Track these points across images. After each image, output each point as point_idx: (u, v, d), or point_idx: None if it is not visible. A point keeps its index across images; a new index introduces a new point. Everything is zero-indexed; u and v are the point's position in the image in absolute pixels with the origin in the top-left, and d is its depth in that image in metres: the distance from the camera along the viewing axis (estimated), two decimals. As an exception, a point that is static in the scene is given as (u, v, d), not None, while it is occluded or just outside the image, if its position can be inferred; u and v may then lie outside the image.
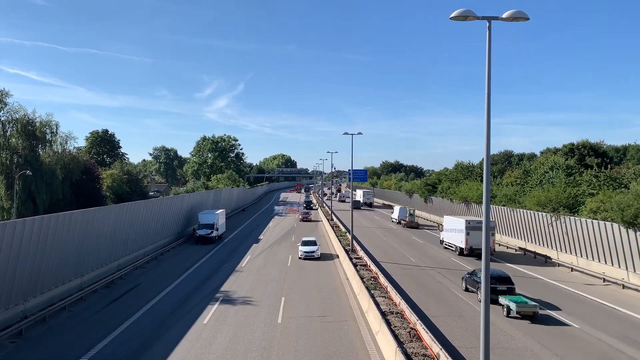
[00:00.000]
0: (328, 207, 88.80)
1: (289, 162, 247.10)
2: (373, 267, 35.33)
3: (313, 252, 41.65)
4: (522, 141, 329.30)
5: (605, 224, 34.94)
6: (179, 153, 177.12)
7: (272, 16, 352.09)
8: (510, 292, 27.10)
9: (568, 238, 40.13)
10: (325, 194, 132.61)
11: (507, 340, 21.72)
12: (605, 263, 35.34)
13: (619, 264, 33.79)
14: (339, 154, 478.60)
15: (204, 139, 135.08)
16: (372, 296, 26.13)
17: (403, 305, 24.59)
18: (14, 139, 48.64)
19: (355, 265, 35.29)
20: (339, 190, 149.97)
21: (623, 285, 32.28)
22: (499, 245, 49.95)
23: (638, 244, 31.85)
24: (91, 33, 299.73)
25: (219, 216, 54.61)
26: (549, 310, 26.65)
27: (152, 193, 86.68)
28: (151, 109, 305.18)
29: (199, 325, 23.42)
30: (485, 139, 14.11)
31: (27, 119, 49.20)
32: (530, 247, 46.43)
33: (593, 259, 36.82)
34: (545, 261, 42.04)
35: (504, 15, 13.88)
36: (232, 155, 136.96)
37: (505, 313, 25.22)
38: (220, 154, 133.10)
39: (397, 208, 76.78)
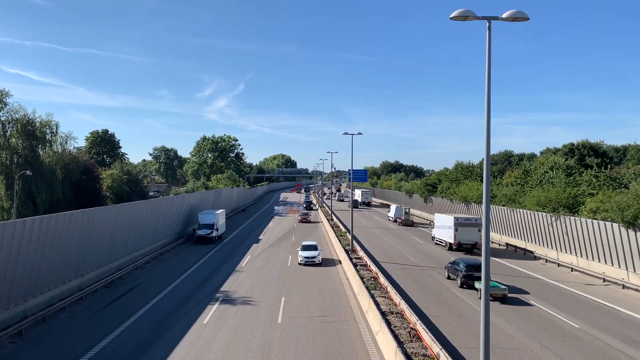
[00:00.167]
0: (328, 207, 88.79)
1: (289, 162, 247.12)
2: (373, 267, 35.33)
3: (314, 257, 38.94)
4: (522, 141, 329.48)
5: (605, 224, 34.94)
6: (179, 153, 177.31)
7: (272, 16, 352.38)
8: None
9: (568, 238, 40.14)
10: (324, 194, 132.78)
11: (507, 340, 21.73)
12: (605, 263, 35.34)
13: (619, 264, 33.79)
14: (339, 154, 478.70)
15: (204, 139, 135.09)
16: (372, 296, 26.13)
17: (403, 305, 24.59)
18: (14, 139, 48.63)
19: (355, 265, 35.29)
20: (338, 190, 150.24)
21: (623, 285, 32.28)
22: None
23: (638, 244, 31.85)
24: (91, 33, 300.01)
25: (219, 216, 54.61)
26: (518, 294, 29.85)
27: (152, 193, 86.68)
28: (151, 109, 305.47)
29: (199, 325, 23.43)
30: (485, 139, 14.12)
31: (27, 119, 49.20)
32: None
33: (593, 259, 36.83)
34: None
35: (504, 15, 13.88)
36: (232, 155, 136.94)
37: (479, 296, 27.93)
38: (220, 154, 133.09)
39: (393, 207, 79.48)
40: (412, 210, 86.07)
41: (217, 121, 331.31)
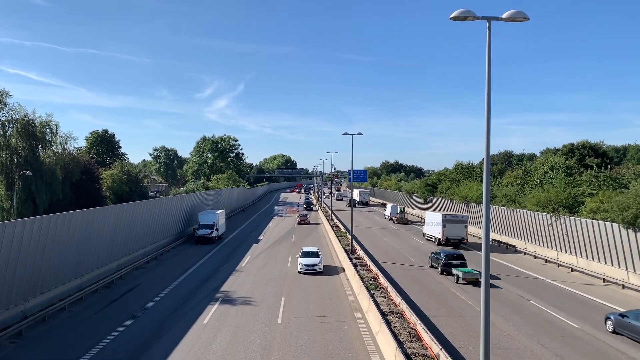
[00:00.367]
0: (328, 207, 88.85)
1: (289, 163, 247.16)
2: (373, 267, 35.34)
3: (315, 265, 35.66)
4: (521, 141, 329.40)
5: (605, 224, 34.95)
6: (179, 153, 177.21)
7: (272, 16, 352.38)
8: (463, 265, 35.03)
9: (568, 238, 40.14)
10: (324, 194, 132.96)
11: (507, 341, 21.73)
12: (605, 263, 35.34)
13: (619, 264, 33.79)
14: (339, 154, 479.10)
15: (204, 139, 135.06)
16: (372, 296, 26.13)
17: (403, 306, 24.59)
18: (14, 139, 48.59)
19: (355, 265, 35.29)
20: (338, 190, 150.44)
21: (623, 285, 32.29)
22: (472, 236, 55.75)
23: (638, 244, 31.85)
24: (91, 33, 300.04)
25: (219, 216, 54.62)
26: (491, 279, 31.25)
27: (152, 193, 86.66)
28: (151, 109, 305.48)
29: (199, 325, 23.43)
30: (485, 139, 14.12)
31: (27, 119, 49.17)
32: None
33: (593, 259, 36.83)
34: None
35: (503, 16, 13.88)
36: (232, 155, 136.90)
37: (455, 280, 33.30)
38: (220, 154, 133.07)
39: (389, 206, 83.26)
40: (413, 210, 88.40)
41: (217, 121, 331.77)
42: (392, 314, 23.32)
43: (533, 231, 46.15)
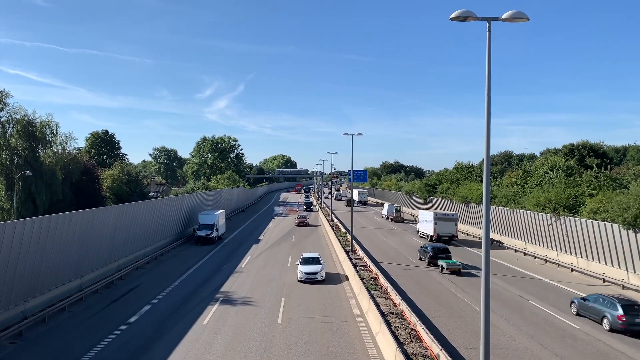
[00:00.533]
0: (328, 207, 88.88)
1: (289, 163, 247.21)
2: (373, 268, 35.33)
3: (316, 273, 33.24)
4: (521, 142, 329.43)
5: (605, 224, 34.95)
6: (179, 154, 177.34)
7: (272, 16, 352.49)
8: (447, 257, 38.33)
9: (568, 239, 40.14)
10: (324, 194, 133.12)
11: (507, 341, 21.73)
12: (606, 264, 35.34)
13: (619, 264, 33.79)
14: (339, 155, 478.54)
15: (204, 139, 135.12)
16: (372, 297, 26.12)
17: (403, 306, 24.59)
18: (14, 140, 48.62)
19: (355, 265, 35.28)
20: (337, 190, 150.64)
21: (623, 285, 32.28)
22: (462, 233, 59.34)
23: (638, 244, 31.85)
24: (91, 33, 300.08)
25: (219, 217, 54.62)
26: (472, 270, 37.98)
27: (152, 194, 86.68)
28: (151, 109, 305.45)
29: (199, 325, 23.43)
30: (485, 140, 14.12)
31: (27, 120, 49.20)
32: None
33: (593, 260, 36.82)
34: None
35: (503, 16, 13.89)
36: (232, 155, 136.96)
37: (440, 270, 37.01)
38: (220, 155, 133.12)
39: (386, 205, 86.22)
40: (413, 210, 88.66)
41: (217, 122, 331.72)
42: (392, 314, 23.32)
43: (533, 231, 46.15)
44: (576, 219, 39.07)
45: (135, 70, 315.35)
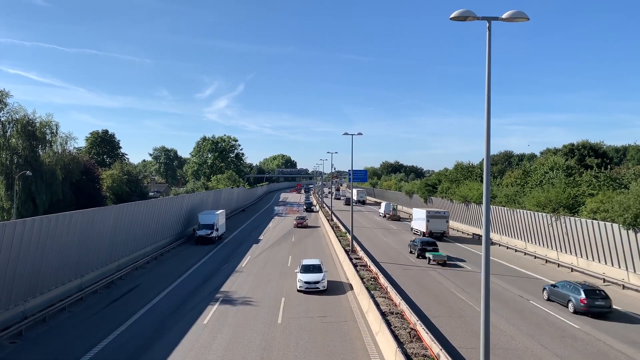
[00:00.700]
0: (328, 207, 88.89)
1: (289, 163, 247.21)
2: (373, 267, 35.33)
3: (317, 282, 29.86)
4: (522, 142, 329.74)
5: (605, 224, 34.94)
6: (179, 153, 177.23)
7: (272, 16, 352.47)
8: (434, 250, 42.08)
9: (568, 238, 40.13)
10: (324, 193, 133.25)
11: (507, 341, 21.73)
12: (606, 263, 35.33)
13: (619, 264, 33.78)
14: (339, 155, 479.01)
15: (204, 139, 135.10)
16: (372, 296, 26.13)
17: (403, 306, 24.59)
18: (14, 140, 48.59)
19: (355, 265, 35.28)
20: (337, 190, 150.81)
21: (623, 285, 32.28)
22: (457, 231, 63.21)
23: (638, 244, 31.85)
24: (91, 33, 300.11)
25: (219, 216, 54.61)
26: (457, 262, 41.76)
27: (152, 193, 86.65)
28: (151, 109, 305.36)
29: (199, 325, 23.43)
30: (485, 139, 14.12)
31: (27, 120, 49.17)
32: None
33: (593, 260, 36.82)
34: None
35: (503, 16, 13.88)
36: (232, 155, 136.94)
37: (427, 262, 40.70)
38: (220, 155, 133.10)
39: (383, 204, 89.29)
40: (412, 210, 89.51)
41: (217, 122, 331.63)
42: (392, 314, 23.32)
43: (533, 231, 46.15)
44: (576, 218, 39.06)
45: (135, 70, 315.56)
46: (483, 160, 15.70)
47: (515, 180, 61.31)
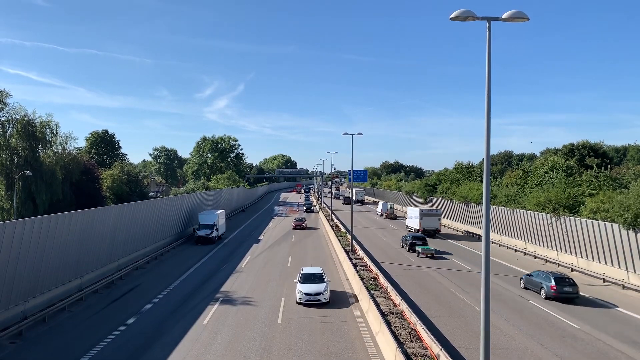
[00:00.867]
0: (328, 207, 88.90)
1: (289, 163, 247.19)
2: (373, 268, 35.32)
3: (319, 294, 26.95)
4: (521, 142, 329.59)
5: (605, 224, 34.93)
6: (179, 153, 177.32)
7: (272, 16, 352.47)
8: (424, 244, 45.74)
9: (568, 238, 40.13)
10: (324, 193, 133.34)
11: (507, 341, 21.73)
12: (606, 263, 35.32)
13: (619, 264, 33.78)
14: (339, 155, 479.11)
15: (204, 139, 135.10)
16: (372, 296, 26.12)
17: (403, 306, 24.58)
18: (14, 140, 48.59)
19: (355, 265, 35.28)
20: (337, 190, 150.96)
21: (623, 285, 32.27)
22: (445, 227, 66.21)
23: (638, 244, 31.84)
24: (91, 33, 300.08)
25: (219, 216, 54.61)
26: (445, 255, 45.43)
27: (152, 193, 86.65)
28: (151, 109, 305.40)
29: (199, 325, 23.43)
30: (485, 139, 14.11)
31: (27, 120, 49.17)
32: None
33: (593, 260, 36.81)
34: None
35: (503, 16, 13.88)
36: (232, 155, 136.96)
37: (417, 255, 44.25)
38: (220, 155, 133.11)
39: (380, 203, 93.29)
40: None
41: (217, 122, 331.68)
42: (392, 314, 23.32)
43: (533, 231, 46.15)
44: (576, 218, 39.05)
45: (135, 70, 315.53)
46: (483, 160, 15.70)
47: (515, 180, 61.31)
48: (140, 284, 32.55)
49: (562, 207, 41.95)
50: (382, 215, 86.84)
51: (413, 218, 61.91)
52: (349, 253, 40.97)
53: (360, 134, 47.49)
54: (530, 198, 48.08)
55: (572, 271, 38.23)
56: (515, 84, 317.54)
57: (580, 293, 29.45)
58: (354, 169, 55.13)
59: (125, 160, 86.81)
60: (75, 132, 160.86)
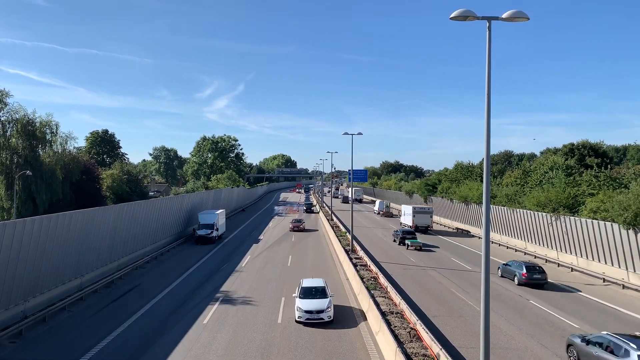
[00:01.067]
0: (327, 206, 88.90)
1: (289, 162, 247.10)
2: (373, 267, 35.32)
3: (321, 311, 23.36)
4: (522, 141, 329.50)
5: (605, 224, 34.94)
6: (179, 153, 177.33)
7: (272, 16, 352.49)
8: (413, 238, 49.53)
9: (568, 238, 40.13)
10: (324, 193, 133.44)
11: (507, 340, 21.73)
12: (605, 263, 35.33)
13: (619, 264, 33.78)
14: (339, 154, 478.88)
15: (204, 139, 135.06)
16: (372, 296, 26.11)
17: (403, 305, 24.58)
18: (14, 139, 48.61)
19: (355, 265, 35.28)
20: (337, 189, 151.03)
21: (623, 285, 32.28)
22: (436, 224, 69.78)
23: (638, 244, 31.84)
24: (91, 33, 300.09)
25: (219, 216, 54.60)
26: (432, 248, 49.57)
27: (152, 193, 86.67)
28: (151, 109, 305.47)
29: (199, 325, 23.43)
30: (485, 139, 14.11)
31: (27, 119, 49.19)
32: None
33: (593, 259, 36.81)
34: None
35: (503, 16, 13.88)
36: (232, 155, 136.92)
37: (406, 247, 48.15)
38: (220, 154, 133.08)
39: (377, 202, 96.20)
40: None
41: (217, 121, 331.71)
42: (392, 313, 23.31)
43: (533, 231, 46.15)
44: (576, 218, 39.06)
45: (135, 70, 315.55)
46: (483, 160, 15.69)
47: (515, 180, 61.31)
48: (140, 284, 32.55)
49: (562, 206, 41.95)
50: (378, 213, 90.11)
51: (407, 215, 65.11)
52: (349, 253, 40.96)
53: (360, 133, 47.52)
54: (530, 198, 48.07)
55: (572, 271, 38.26)
56: (515, 84, 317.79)
57: (549, 280, 33.06)
58: (354, 168, 55.12)
59: (125, 160, 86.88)
60: (75, 132, 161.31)
